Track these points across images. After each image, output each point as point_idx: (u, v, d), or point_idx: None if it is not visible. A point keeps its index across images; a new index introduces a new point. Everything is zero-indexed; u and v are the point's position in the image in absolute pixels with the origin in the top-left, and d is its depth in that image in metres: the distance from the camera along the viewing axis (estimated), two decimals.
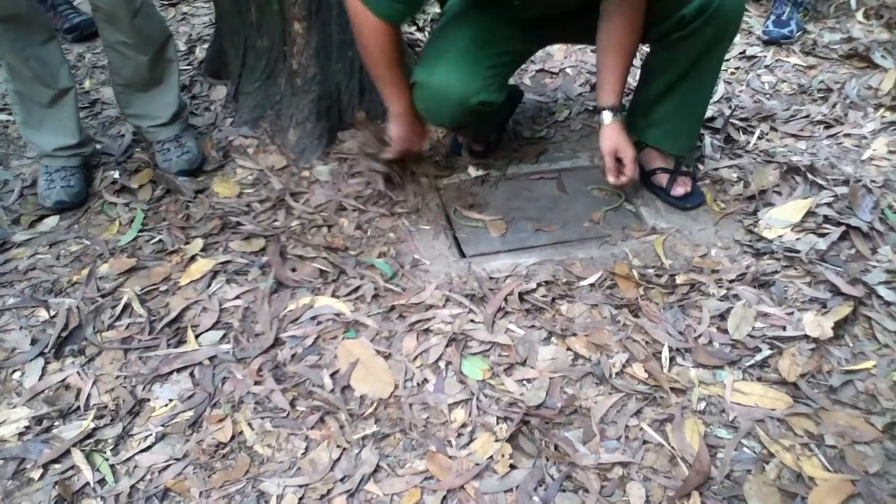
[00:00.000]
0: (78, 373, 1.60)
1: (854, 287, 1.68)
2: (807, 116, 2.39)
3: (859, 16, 2.98)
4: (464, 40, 1.79)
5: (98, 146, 2.31)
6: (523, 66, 2.78)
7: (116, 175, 2.21)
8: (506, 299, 1.72)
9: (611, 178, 1.90)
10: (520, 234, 1.98)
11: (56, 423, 1.50)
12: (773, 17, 2.91)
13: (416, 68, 1.82)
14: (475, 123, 1.98)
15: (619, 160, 1.88)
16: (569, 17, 1.89)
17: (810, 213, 1.90)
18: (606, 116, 1.86)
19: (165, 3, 3.48)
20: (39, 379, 1.60)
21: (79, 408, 1.53)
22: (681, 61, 1.83)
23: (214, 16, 2.72)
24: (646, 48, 1.99)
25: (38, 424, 1.50)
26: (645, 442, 1.41)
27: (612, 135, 1.86)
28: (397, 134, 1.93)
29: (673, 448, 1.39)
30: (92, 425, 1.48)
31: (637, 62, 2.67)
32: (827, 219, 1.88)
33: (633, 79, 2.60)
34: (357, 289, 1.78)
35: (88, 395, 1.55)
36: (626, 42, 1.80)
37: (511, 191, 2.13)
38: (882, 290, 1.68)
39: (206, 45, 2.92)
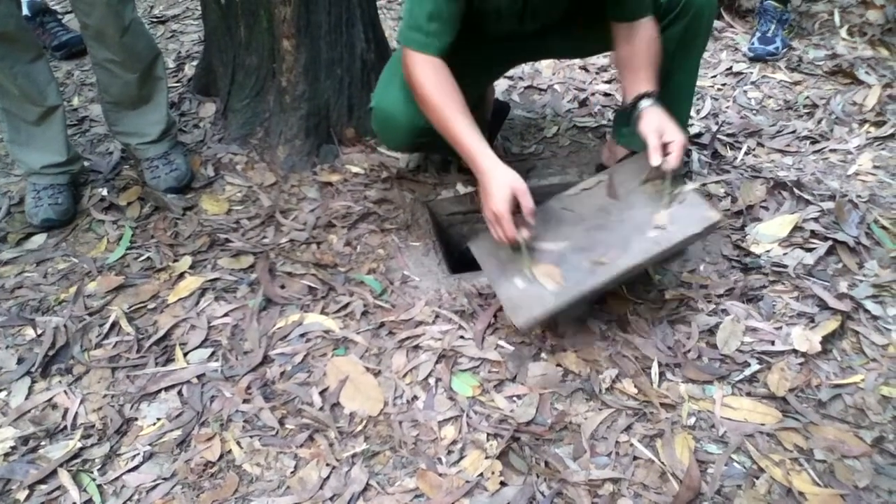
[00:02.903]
0: (65, 392, 1.59)
1: (841, 301, 1.69)
2: (793, 132, 2.41)
3: (843, 33, 3.02)
4: None
5: (86, 163, 2.31)
6: (511, 83, 2.79)
7: (104, 192, 2.20)
8: (495, 315, 1.72)
9: (654, 159, 1.61)
10: None
11: (43, 443, 1.49)
12: (758, 35, 2.94)
13: (372, 94, 1.88)
14: (436, 144, 1.96)
15: (664, 145, 1.63)
16: (542, 34, 1.91)
17: (797, 228, 1.92)
18: (644, 102, 1.69)
19: (154, 20, 3.49)
20: (26, 398, 1.59)
21: (66, 427, 1.52)
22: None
23: (203, 33, 2.73)
24: None
25: (24, 444, 1.48)
26: (635, 458, 1.41)
27: (653, 117, 1.65)
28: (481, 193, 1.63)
29: (663, 463, 1.39)
30: (79, 445, 1.47)
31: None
32: (814, 233, 1.90)
33: (621, 95, 2.62)
34: (346, 306, 1.78)
35: (75, 415, 1.54)
36: (650, 61, 1.73)
37: None
38: (869, 305, 1.69)
39: (195, 63, 2.93)
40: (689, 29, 1.76)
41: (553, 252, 1.62)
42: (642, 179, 1.71)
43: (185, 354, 1.67)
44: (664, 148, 1.61)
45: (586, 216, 1.70)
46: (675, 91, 1.90)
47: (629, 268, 1.54)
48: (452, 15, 1.63)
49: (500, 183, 1.54)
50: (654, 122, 1.63)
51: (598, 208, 1.71)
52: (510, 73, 2.85)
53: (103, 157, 2.39)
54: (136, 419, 1.53)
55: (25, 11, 3.06)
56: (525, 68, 2.86)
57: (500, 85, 2.78)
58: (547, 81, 2.81)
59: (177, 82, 2.85)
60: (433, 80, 1.62)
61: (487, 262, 1.68)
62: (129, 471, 1.43)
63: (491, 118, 2.33)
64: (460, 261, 2.12)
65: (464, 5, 1.65)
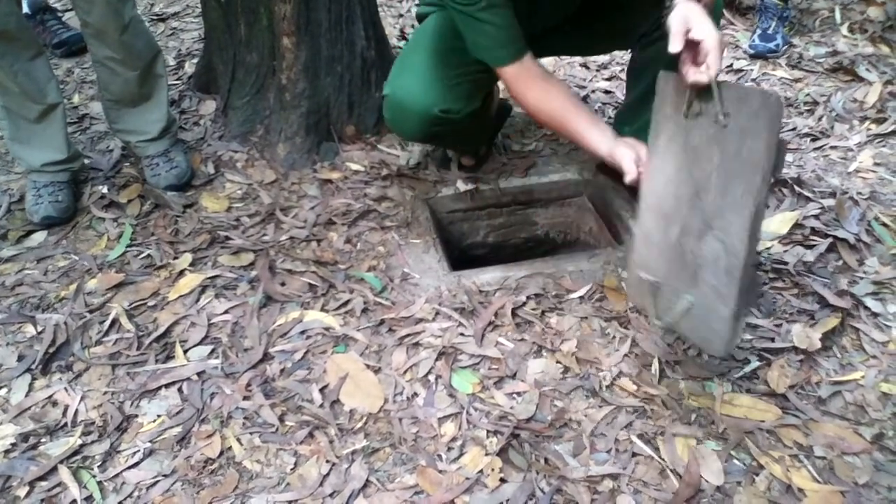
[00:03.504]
0: (65, 389, 1.59)
1: (841, 298, 1.69)
2: (793, 129, 2.41)
3: (844, 30, 3.01)
4: (429, 52, 1.81)
5: (86, 161, 2.31)
6: None
7: (105, 190, 2.20)
8: (495, 313, 1.72)
9: (673, 45, 1.30)
10: None
11: (43, 440, 1.49)
12: (759, 32, 2.94)
13: (384, 83, 1.86)
14: (448, 136, 1.96)
15: (694, 45, 1.30)
16: (545, 35, 1.90)
17: (798, 226, 1.91)
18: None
19: (155, 18, 3.48)
20: (26, 395, 1.59)
21: (66, 424, 1.52)
22: (663, 59, 1.80)
23: (203, 31, 2.73)
24: (628, 55, 1.99)
25: (24, 441, 1.48)
26: (635, 454, 1.41)
27: (683, 8, 1.32)
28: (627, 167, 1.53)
29: (663, 460, 1.39)
30: (79, 442, 1.47)
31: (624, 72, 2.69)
32: (814, 231, 1.89)
33: (622, 93, 2.63)
34: (346, 303, 1.78)
35: (76, 412, 1.54)
36: None
37: None
38: (869, 302, 1.69)
39: (195, 60, 2.93)
40: None
41: (689, 263, 1.36)
42: (685, 112, 1.35)
43: (186, 352, 1.67)
44: (694, 56, 1.30)
45: (683, 197, 1.37)
46: None
47: (747, 248, 1.26)
48: (509, 18, 1.63)
49: (618, 165, 1.55)
50: (682, 12, 1.31)
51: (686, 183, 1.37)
52: None
53: (104, 155, 2.39)
54: (137, 416, 1.53)
55: (25, 9, 3.06)
56: None
57: (501, 83, 2.77)
58: None
59: (177, 80, 2.85)
60: (535, 94, 1.69)
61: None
62: (130, 467, 1.43)
63: (493, 117, 2.32)
64: (460, 258, 2.13)
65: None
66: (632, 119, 2.00)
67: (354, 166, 2.28)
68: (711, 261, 1.31)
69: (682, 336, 1.46)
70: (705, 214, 1.32)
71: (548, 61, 2.88)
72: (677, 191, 1.38)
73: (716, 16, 1.75)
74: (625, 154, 1.52)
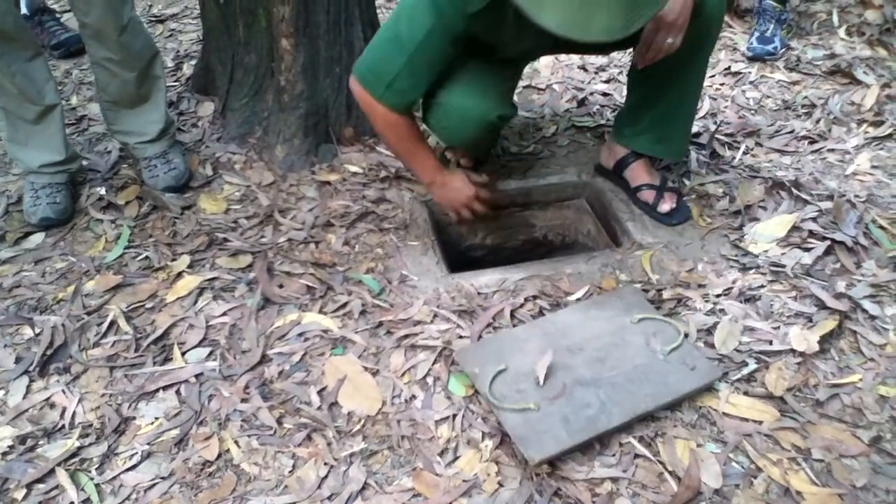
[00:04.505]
0: (63, 391, 1.59)
1: (839, 301, 1.69)
2: (791, 132, 2.41)
3: (842, 32, 3.02)
4: (473, 64, 1.83)
5: (84, 162, 2.30)
6: None
7: (103, 191, 2.20)
8: (494, 315, 1.72)
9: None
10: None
11: (40, 443, 1.49)
12: (757, 34, 2.94)
13: (436, 90, 1.84)
14: (488, 140, 2.02)
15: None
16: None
17: (795, 228, 1.91)
18: None
19: (153, 19, 3.48)
20: (24, 397, 1.58)
21: (63, 426, 1.52)
22: (666, 64, 1.81)
23: (202, 32, 2.72)
24: (628, 58, 1.99)
25: (22, 444, 1.48)
26: (635, 457, 1.41)
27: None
28: (444, 197, 2.00)
29: (662, 463, 1.39)
30: (77, 444, 1.47)
31: (622, 75, 2.68)
32: (812, 233, 1.90)
33: (620, 95, 2.63)
34: (344, 305, 1.78)
35: (73, 414, 1.54)
36: None
37: None
38: (867, 304, 1.69)
39: (193, 62, 2.93)
40: (699, 29, 1.73)
41: (558, 384, 1.50)
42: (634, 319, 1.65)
43: (184, 354, 1.67)
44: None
45: (584, 344, 1.60)
46: (682, 90, 1.89)
47: (638, 415, 1.45)
48: (438, 66, 1.70)
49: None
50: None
51: (593, 335, 1.62)
52: None
53: (102, 156, 2.39)
54: (134, 418, 1.53)
55: (24, 10, 3.06)
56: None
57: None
58: (545, 81, 2.81)
59: (175, 81, 2.85)
60: (395, 139, 1.87)
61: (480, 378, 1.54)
62: (127, 470, 1.43)
63: None
64: (459, 260, 2.13)
65: (451, 55, 1.69)
66: (634, 120, 2.00)
67: (353, 168, 2.28)
68: (580, 406, 1.46)
69: (498, 420, 1.46)
70: (602, 375, 1.53)
71: (546, 62, 2.89)
72: (585, 337, 1.62)
73: (717, 20, 1.77)
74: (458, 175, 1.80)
